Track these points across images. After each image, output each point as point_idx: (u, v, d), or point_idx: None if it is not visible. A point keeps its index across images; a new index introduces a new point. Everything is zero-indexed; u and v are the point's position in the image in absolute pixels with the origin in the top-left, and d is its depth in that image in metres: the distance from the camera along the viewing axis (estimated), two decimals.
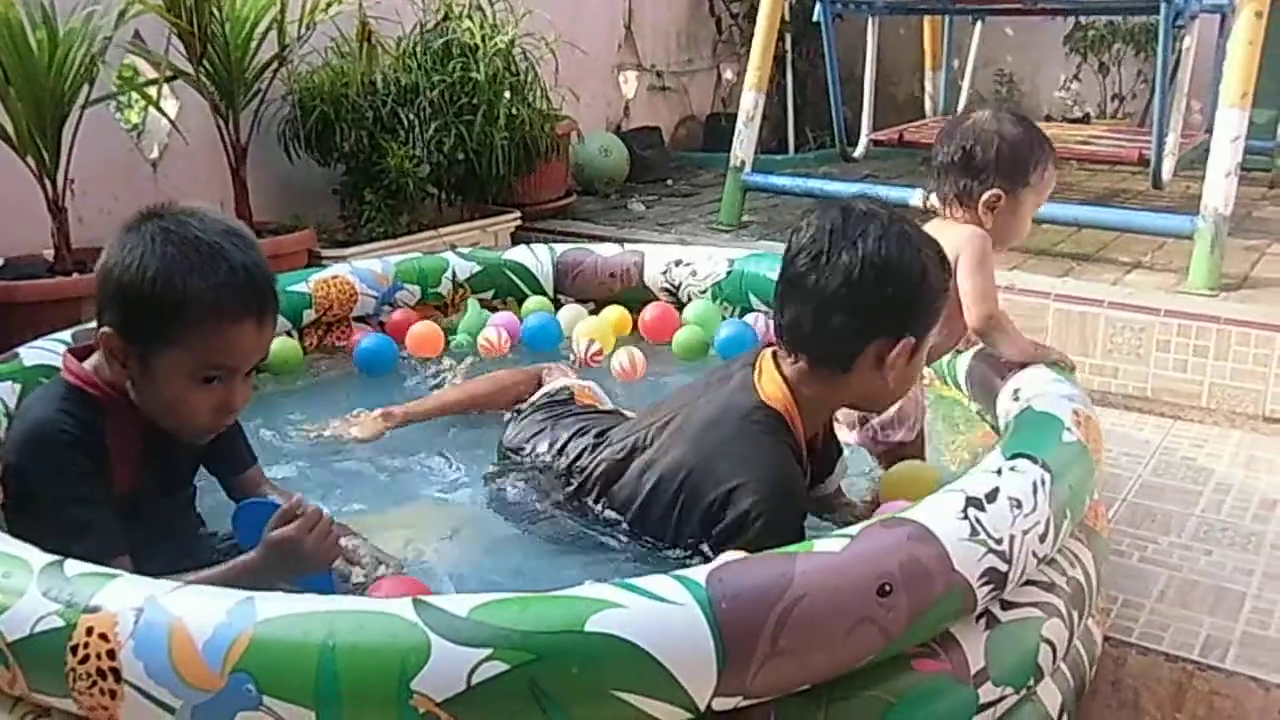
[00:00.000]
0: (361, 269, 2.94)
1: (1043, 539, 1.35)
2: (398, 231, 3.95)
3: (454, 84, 3.96)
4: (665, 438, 1.65)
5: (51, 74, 2.96)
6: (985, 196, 1.97)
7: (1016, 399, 1.76)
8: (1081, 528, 1.58)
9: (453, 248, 3.41)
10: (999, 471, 1.39)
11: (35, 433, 1.45)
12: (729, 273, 2.91)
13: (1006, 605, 1.35)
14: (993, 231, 1.99)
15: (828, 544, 1.18)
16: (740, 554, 1.21)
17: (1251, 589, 2.04)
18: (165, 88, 3.76)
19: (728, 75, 6.60)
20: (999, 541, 1.27)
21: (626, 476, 1.68)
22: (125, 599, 1.13)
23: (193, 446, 1.62)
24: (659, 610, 1.07)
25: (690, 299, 2.97)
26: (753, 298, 2.87)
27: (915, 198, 3.79)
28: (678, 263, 2.99)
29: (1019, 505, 1.33)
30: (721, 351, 2.72)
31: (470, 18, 4.08)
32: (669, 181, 5.60)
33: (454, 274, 3.03)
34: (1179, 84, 3.75)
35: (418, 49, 4.02)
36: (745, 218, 4.51)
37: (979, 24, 5.44)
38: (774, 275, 2.80)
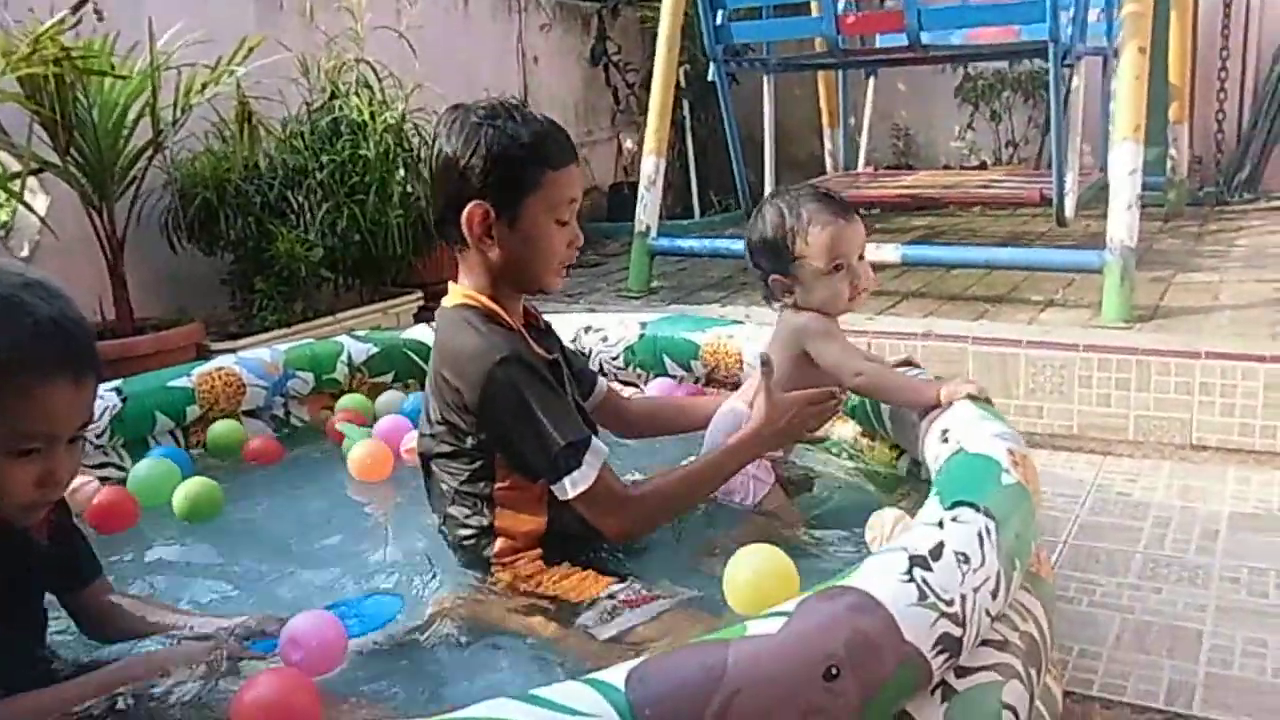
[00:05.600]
0: (248, 359, 2.74)
1: (994, 594, 1.22)
2: (293, 319, 3.75)
3: (343, 163, 3.83)
4: None
5: None
6: (771, 284, 1.99)
7: (945, 440, 1.65)
8: (1026, 575, 1.46)
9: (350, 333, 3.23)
10: (940, 524, 1.26)
11: None
12: (641, 336, 2.79)
13: (961, 672, 1.21)
14: (807, 308, 1.96)
15: (761, 625, 1.03)
16: None
17: (1207, 626, 1.94)
18: (34, 181, 3.55)
19: (628, 145, 6.59)
20: (950, 603, 1.14)
21: None
22: None
23: (33, 549, 1.42)
24: None
25: (602, 368, 2.84)
26: (667, 360, 2.75)
27: None
28: (587, 329, 2.86)
29: (966, 560, 1.20)
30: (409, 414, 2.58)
31: (358, 94, 3.96)
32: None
33: (350, 358, 2.85)
34: (1072, 123, 3.79)
35: (304, 129, 3.87)
36: (654, 283, 4.43)
37: (872, 79, 5.51)
38: (689, 337, 2.78)
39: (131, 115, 3.31)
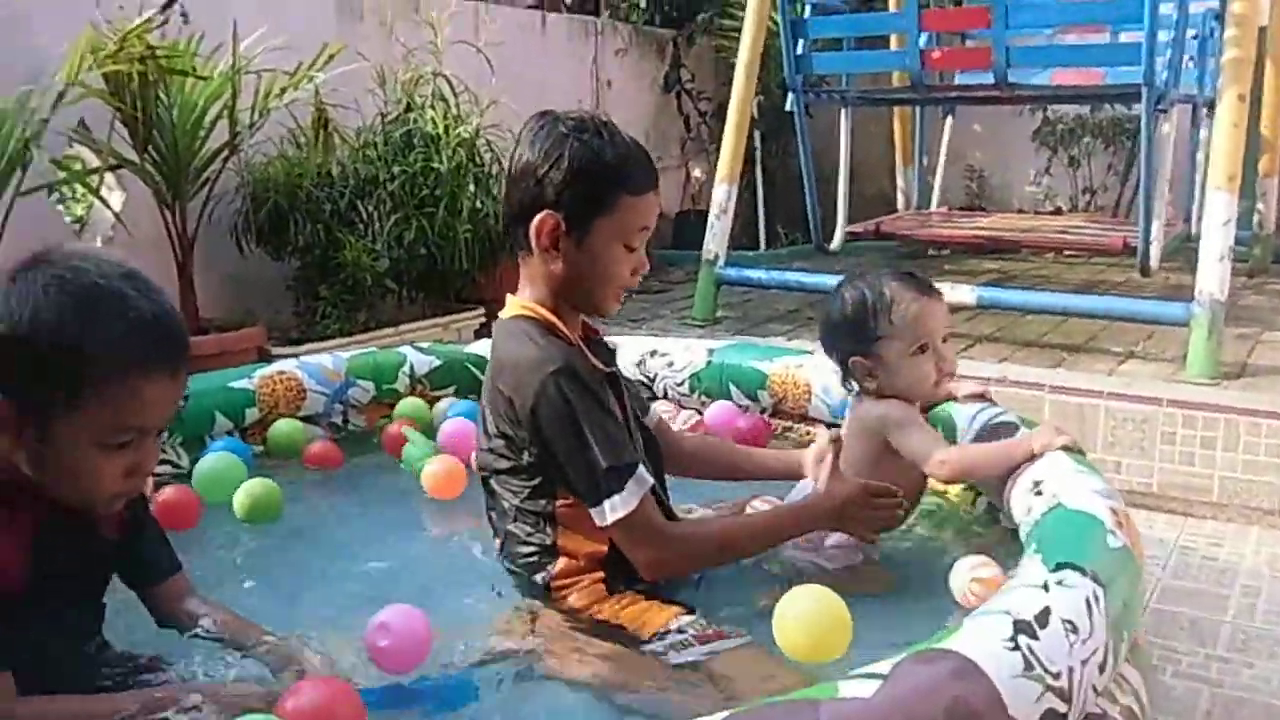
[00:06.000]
0: (310, 364, 2.71)
1: (1102, 668, 1.13)
2: (354, 329, 3.74)
3: (415, 175, 3.82)
4: None
5: None
6: (851, 366, 1.90)
7: (1039, 493, 1.55)
8: None
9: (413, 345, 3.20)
10: (1045, 586, 1.17)
11: None
12: (708, 363, 2.71)
13: None
14: (889, 394, 1.87)
15: (854, 686, 0.95)
16: None
17: None
18: (111, 178, 3.58)
19: (696, 173, 6.54)
20: (1056, 676, 1.04)
21: None
22: None
23: (102, 545, 1.41)
24: None
25: (666, 393, 2.77)
26: (733, 388, 2.67)
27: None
28: (653, 354, 2.79)
29: (1074, 629, 1.11)
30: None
31: (433, 108, 3.95)
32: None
33: (411, 369, 2.81)
34: (1159, 171, 3.67)
35: (378, 139, 3.87)
36: (719, 313, 4.36)
37: (949, 117, 5.42)
38: (757, 365, 2.71)
39: (210, 117, 3.33)
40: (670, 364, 2.76)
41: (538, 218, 1.64)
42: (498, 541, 1.77)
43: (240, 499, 2.11)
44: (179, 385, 1.29)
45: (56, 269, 1.23)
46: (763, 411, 2.67)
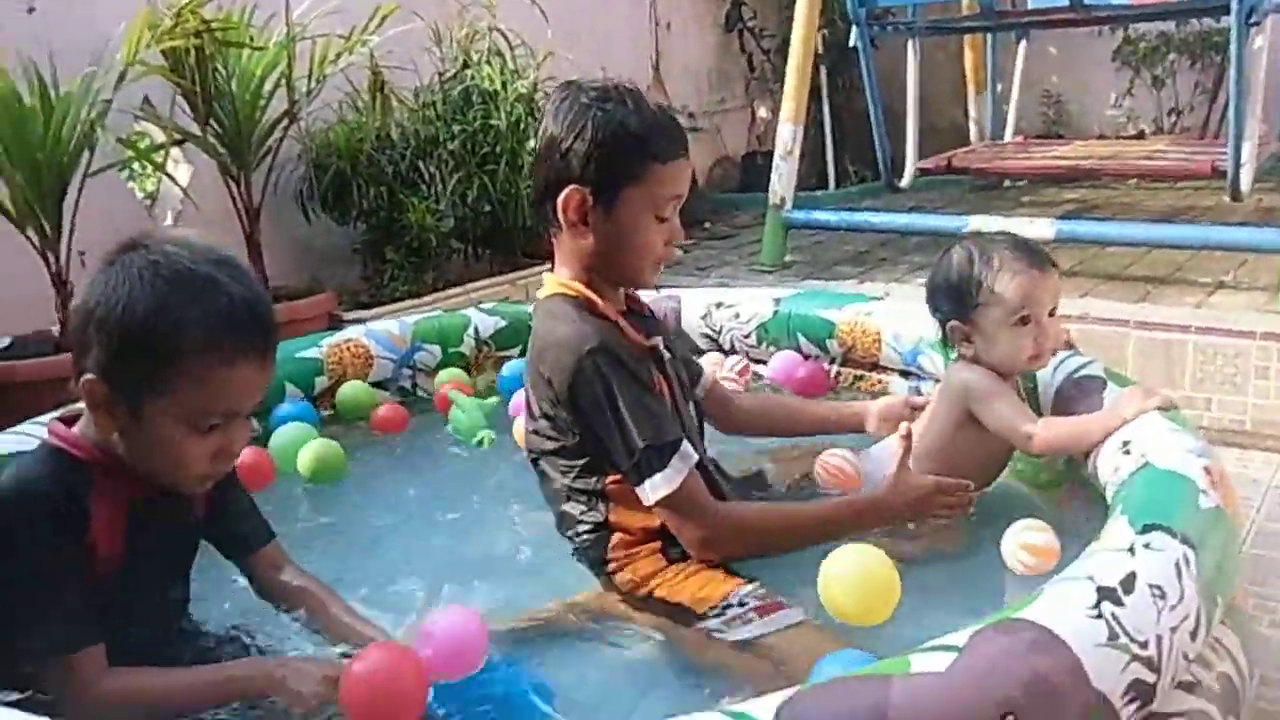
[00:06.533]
0: (377, 330, 2.73)
1: (1194, 635, 1.07)
2: (423, 290, 3.75)
3: (474, 133, 3.79)
4: None
5: (49, 141, 2.81)
6: (949, 330, 1.84)
7: (1127, 452, 1.48)
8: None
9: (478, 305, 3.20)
10: (1131, 550, 1.11)
11: (7, 498, 1.28)
12: (775, 313, 2.66)
13: (1152, 719, 1.07)
14: (984, 362, 1.81)
15: (928, 660, 0.92)
16: None
17: None
18: (177, 153, 3.63)
19: (762, 113, 6.40)
20: (1144, 645, 0.99)
21: None
22: None
23: (191, 521, 1.45)
24: None
25: (734, 345, 2.72)
26: (802, 339, 2.61)
27: (971, 224, 3.55)
28: (719, 305, 2.74)
29: (1162, 595, 1.05)
30: (504, 388, 2.56)
31: (489, 63, 3.91)
32: (706, 224, 5.39)
33: (477, 331, 2.80)
34: (1251, 88, 3.46)
35: (436, 99, 3.85)
36: (788, 257, 4.27)
37: (1023, 42, 5.19)
38: (825, 314, 2.64)
39: (268, 86, 3.34)
40: (736, 315, 2.71)
41: (564, 193, 1.60)
42: (555, 518, 1.76)
43: (305, 459, 2.16)
44: (268, 370, 1.30)
45: (152, 254, 1.26)
46: (832, 361, 2.61)
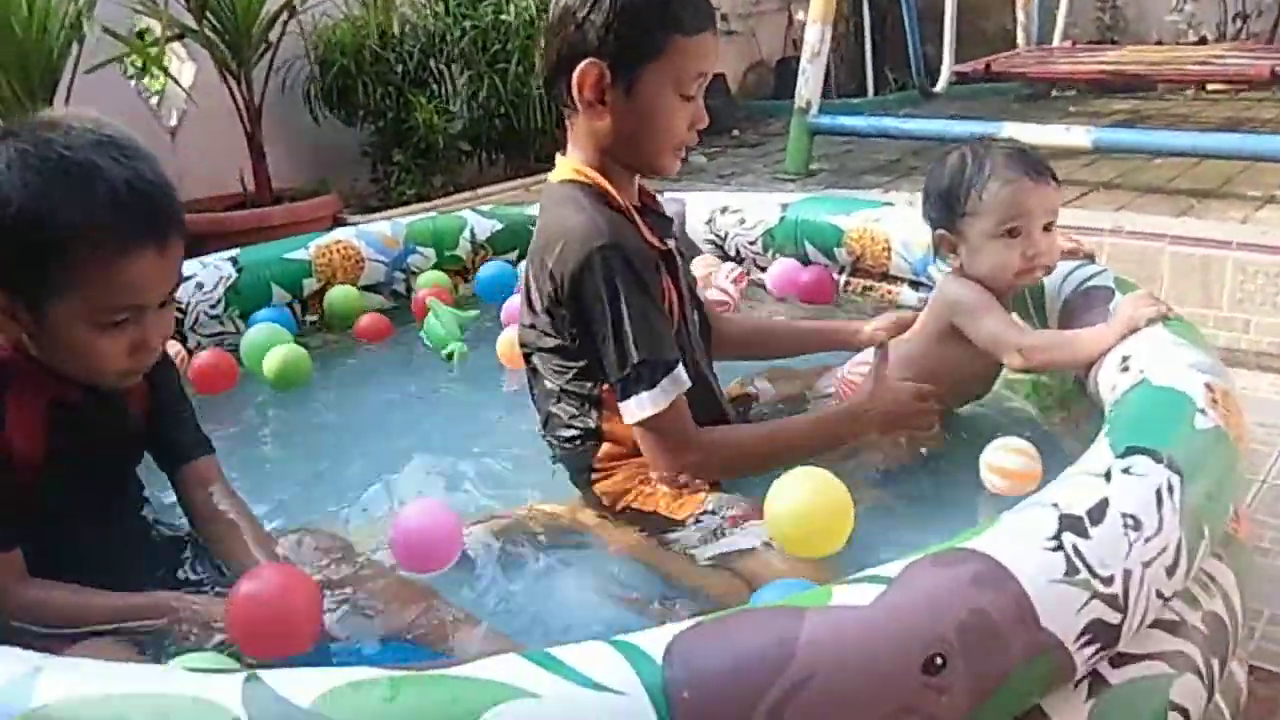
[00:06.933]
0: (368, 232, 2.63)
1: (1171, 571, 0.95)
2: (432, 194, 3.65)
3: (485, 29, 3.63)
4: None
5: (34, 29, 2.72)
6: (936, 239, 1.73)
7: (1126, 369, 1.34)
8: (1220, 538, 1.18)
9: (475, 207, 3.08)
10: (1107, 475, 0.99)
11: None
12: (782, 219, 2.52)
13: (1119, 660, 0.96)
14: (970, 274, 1.69)
15: (851, 593, 0.81)
16: None
17: None
18: (181, 49, 3.52)
19: (800, 16, 6.09)
20: (1108, 581, 0.88)
21: None
22: None
23: (127, 422, 1.37)
24: (588, 702, 0.73)
25: (739, 252, 2.59)
26: (809, 246, 2.47)
27: (1005, 131, 3.34)
28: (724, 210, 2.61)
29: (1136, 525, 0.93)
30: (480, 293, 2.51)
31: None
32: (735, 132, 5.19)
33: (473, 234, 2.70)
34: None
35: None
36: (814, 165, 4.09)
37: None
38: (833, 220, 2.50)
39: None
40: (742, 221, 2.58)
41: (580, 68, 1.45)
42: (539, 420, 1.67)
43: (269, 363, 2.10)
44: (169, 257, 1.20)
45: (21, 141, 1.15)
46: (841, 270, 2.48)
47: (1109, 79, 3.94)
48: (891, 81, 5.82)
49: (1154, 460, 1.02)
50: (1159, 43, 5.49)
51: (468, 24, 3.62)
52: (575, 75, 1.46)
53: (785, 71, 5.88)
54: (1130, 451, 1.04)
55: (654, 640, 0.77)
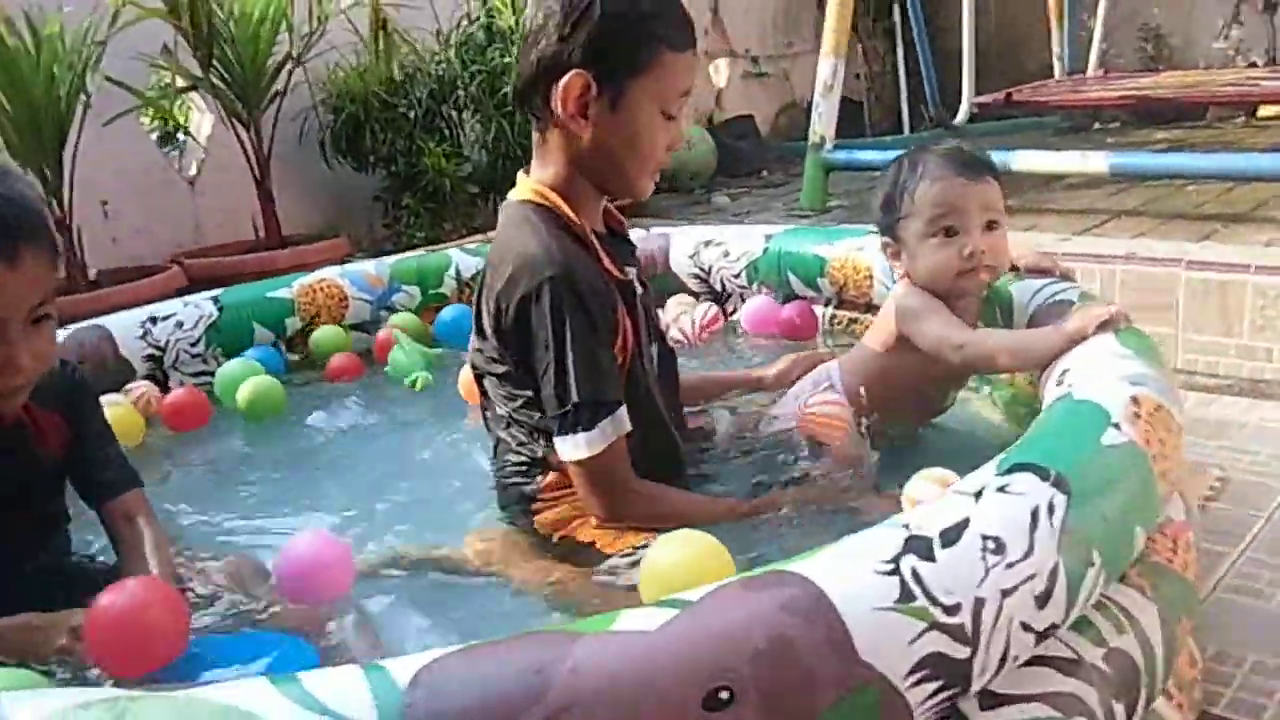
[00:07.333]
0: (353, 271, 2.63)
1: (1043, 601, 0.84)
2: (443, 237, 3.64)
3: (493, 74, 3.64)
4: None
5: (40, 81, 2.79)
6: (883, 248, 1.70)
7: (1060, 381, 1.24)
8: (1146, 569, 1.06)
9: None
10: (978, 494, 0.89)
11: None
12: (765, 251, 2.44)
13: (991, 701, 0.86)
14: (916, 280, 1.63)
15: (638, 619, 0.73)
16: None
17: None
18: (199, 100, 3.60)
19: None
20: (952, 610, 0.78)
21: None
22: None
23: (31, 454, 1.34)
24: None
25: (724, 285, 2.52)
26: (793, 278, 2.39)
27: (1016, 161, 3.24)
28: (708, 243, 2.55)
29: (998, 549, 0.83)
30: (442, 335, 2.49)
31: (508, 2, 3.75)
32: (764, 173, 5.14)
33: (458, 271, 2.68)
34: None
35: (451, 37, 3.72)
36: (833, 202, 4.00)
37: None
38: (816, 251, 2.41)
39: (267, 27, 3.26)
40: (726, 254, 2.52)
41: (565, 79, 1.40)
42: (491, 444, 1.62)
43: (241, 394, 2.12)
44: (22, 270, 1.16)
45: None
46: (827, 303, 2.39)
47: (1136, 104, 3.80)
48: (928, 119, 5.72)
49: (1039, 478, 0.92)
50: (1207, 69, 5.31)
51: (476, 68, 3.64)
52: (561, 85, 1.40)
53: None
54: (1015, 468, 0.94)
55: (405, 666, 0.70)
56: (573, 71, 1.39)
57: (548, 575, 1.44)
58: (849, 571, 0.78)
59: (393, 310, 2.62)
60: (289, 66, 3.33)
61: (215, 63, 3.19)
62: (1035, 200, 3.61)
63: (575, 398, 1.38)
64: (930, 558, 0.81)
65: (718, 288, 2.53)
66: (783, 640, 0.72)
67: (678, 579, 0.99)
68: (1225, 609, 1.57)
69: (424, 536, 1.57)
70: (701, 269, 2.54)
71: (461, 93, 3.61)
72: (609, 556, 1.41)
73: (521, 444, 1.52)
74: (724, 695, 0.69)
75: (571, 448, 1.40)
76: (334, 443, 2.06)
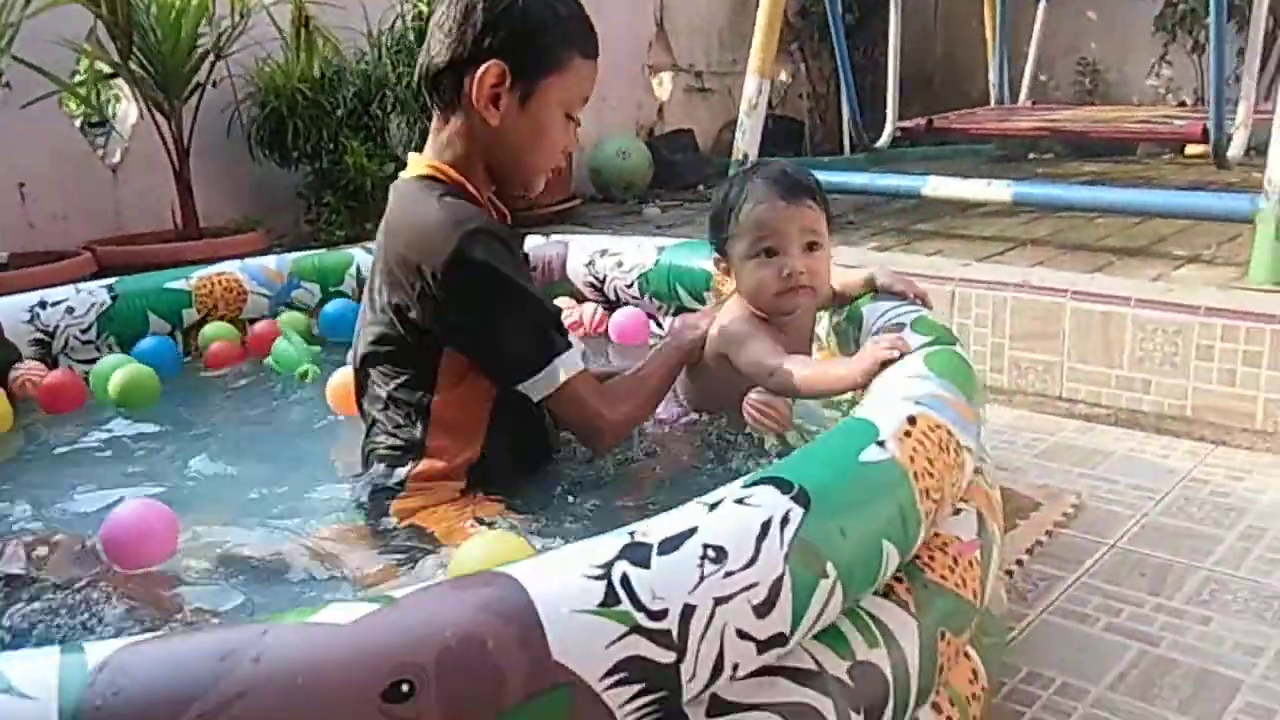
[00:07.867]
0: (252, 265, 2.64)
1: (763, 610, 0.88)
2: (362, 236, 3.65)
3: None
4: None
5: None
6: (715, 265, 1.77)
7: (855, 402, 1.28)
8: (916, 585, 1.09)
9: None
10: (714, 505, 0.93)
11: None
12: (656, 263, 2.48)
13: (718, 708, 0.89)
14: (744, 296, 1.69)
15: (338, 612, 0.75)
16: None
17: (1253, 676, 1.48)
18: (126, 89, 3.59)
19: (781, 76, 6.13)
20: (659, 615, 0.81)
21: None
22: None
23: None
24: None
25: (618, 295, 2.56)
26: (680, 291, 2.43)
27: (929, 184, 3.30)
28: (603, 253, 2.58)
29: (718, 558, 0.86)
30: (325, 329, 2.54)
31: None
32: (700, 187, 5.18)
33: (358, 270, 2.69)
34: (1251, 46, 3.12)
35: (384, 38, 3.73)
36: None
37: (1041, 3, 4.85)
38: (704, 265, 2.45)
39: (190, 19, 3.26)
40: (620, 264, 2.55)
41: (483, 67, 1.45)
42: (365, 426, 1.63)
43: (112, 384, 2.12)
44: None
45: None
46: (677, 312, 2.46)
47: (1051, 134, 3.89)
48: (867, 140, 5.79)
49: (780, 491, 0.95)
50: (1139, 105, 5.43)
51: (404, 69, 3.65)
52: (477, 73, 1.46)
53: (764, 130, 5.89)
54: (760, 481, 0.97)
55: (101, 649, 0.72)
56: (493, 60, 1.45)
57: (375, 566, 1.44)
58: (558, 575, 0.81)
59: (292, 306, 2.64)
60: (210, 59, 3.33)
61: (136, 51, 3.19)
62: (949, 226, 3.68)
63: (543, 326, 1.48)
64: (645, 564, 0.84)
65: (611, 297, 2.57)
66: (472, 638, 0.75)
67: None
68: (1049, 632, 1.63)
69: (268, 525, 1.56)
70: (596, 278, 2.57)
71: (389, 93, 3.62)
72: (440, 545, 1.43)
73: (399, 426, 1.55)
74: (404, 688, 0.72)
75: (562, 370, 1.48)
76: (208, 432, 2.06)
